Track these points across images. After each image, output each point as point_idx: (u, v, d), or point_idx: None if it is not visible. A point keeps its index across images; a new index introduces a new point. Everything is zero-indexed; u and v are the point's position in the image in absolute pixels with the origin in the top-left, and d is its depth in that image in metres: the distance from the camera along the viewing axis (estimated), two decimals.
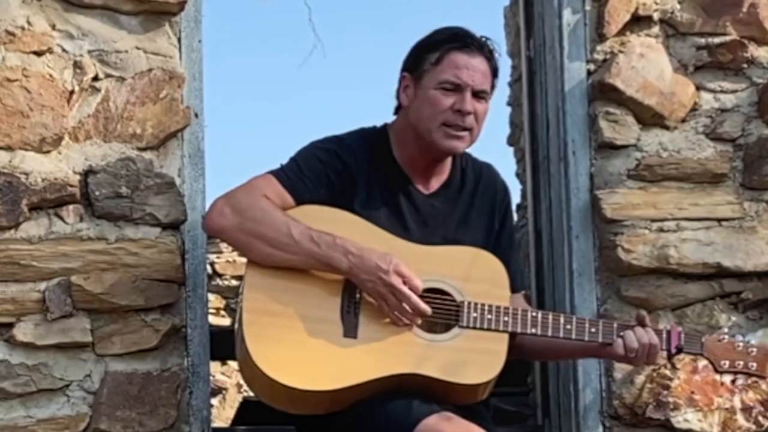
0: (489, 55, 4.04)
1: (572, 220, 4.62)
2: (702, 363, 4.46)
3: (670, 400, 4.49)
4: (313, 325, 3.83)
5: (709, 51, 4.61)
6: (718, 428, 4.51)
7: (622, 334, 3.92)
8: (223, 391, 10.00)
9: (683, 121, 4.59)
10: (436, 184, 4.11)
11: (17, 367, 4.17)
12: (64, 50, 4.32)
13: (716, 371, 4.14)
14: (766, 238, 4.55)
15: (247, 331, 3.84)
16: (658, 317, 4.53)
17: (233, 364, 10.35)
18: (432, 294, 3.87)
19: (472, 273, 3.98)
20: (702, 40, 4.63)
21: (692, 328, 4.47)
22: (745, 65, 4.61)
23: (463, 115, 3.93)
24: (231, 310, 10.15)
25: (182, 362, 4.35)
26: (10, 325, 4.18)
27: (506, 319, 3.85)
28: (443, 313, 3.87)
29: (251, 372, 3.84)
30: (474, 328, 3.84)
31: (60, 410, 4.20)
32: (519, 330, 3.86)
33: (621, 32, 4.62)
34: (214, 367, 7.92)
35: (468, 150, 4.14)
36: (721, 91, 4.62)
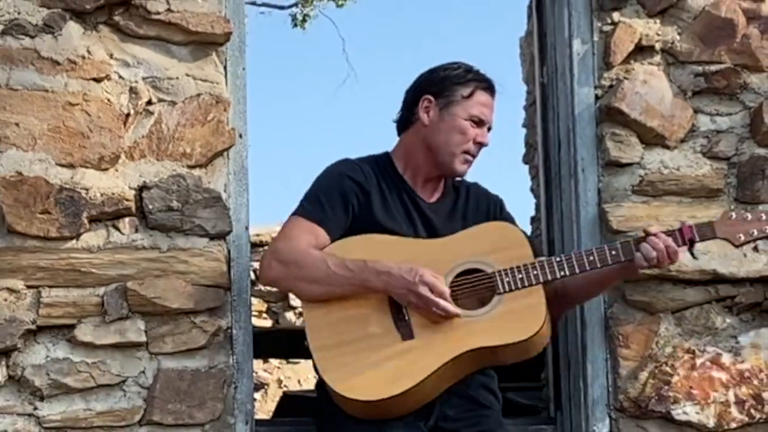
0: (494, 94, 4.29)
1: (582, 231, 4.61)
2: (699, 360, 4.47)
3: (671, 394, 4.46)
4: (375, 341, 3.94)
5: (706, 78, 4.59)
6: (714, 420, 4.47)
7: (638, 247, 4.01)
8: (265, 387, 10.00)
9: (682, 141, 4.57)
10: (436, 195, 4.27)
11: (78, 365, 4.23)
12: (120, 77, 4.38)
13: (735, 246, 4.21)
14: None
15: (322, 367, 3.96)
16: (660, 319, 4.53)
17: (274, 362, 10.37)
18: (466, 275, 3.97)
19: (493, 244, 4.08)
20: (699, 68, 4.61)
21: (690, 329, 4.53)
22: (738, 90, 4.59)
23: (480, 147, 4.20)
24: (272, 313, 10.33)
25: (228, 360, 4.38)
26: (72, 327, 4.25)
27: (535, 272, 3.95)
28: (482, 288, 3.97)
29: (342, 402, 3.93)
30: (511, 290, 3.93)
31: (117, 404, 4.26)
32: (549, 277, 3.97)
33: (626, 61, 4.61)
34: (257, 364, 7.97)
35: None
36: (717, 114, 4.61)
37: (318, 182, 4.24)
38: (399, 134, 4.39)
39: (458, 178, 4.33)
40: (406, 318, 3.98)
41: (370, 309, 4.01)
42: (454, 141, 4.20)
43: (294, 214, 4.20)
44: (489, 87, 4.27)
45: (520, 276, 3.96)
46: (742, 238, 4.17)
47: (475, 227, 4.21)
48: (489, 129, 4.27)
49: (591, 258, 4.02)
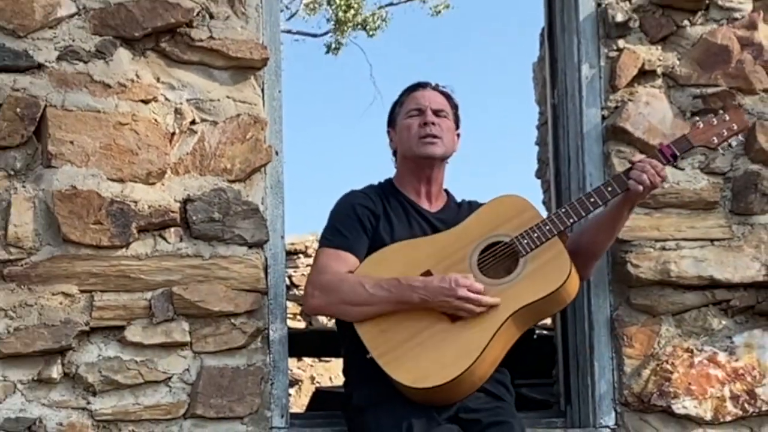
0: (439, 89, 4.45)
1: None
2: (697, 359, 4.51)
3: (671, 390, 4.48)
4: (426, 333, 4.01)
5: (704, 99, 4.62)
6: (711, 414, 4.50)
7: (629, 175, 4.08)
8: (299, 383, 10.01)
9: (682, 158, 4.46)
10: (438, 205, 4.41)
11: (128, 363, 4.31)
12: (167, 99, 4.44)
13: (713, 149, 4.33)
14: (751, 255, 4.54)
15: (389, 369, 4.00)
16: (661, 321, 4.56)
17: (307, 360, 10.36)
18: (488, 251, 4.08)
19: (501, 217, 4.17)
20: (697, 91, 4.64)
21: (689, 330, 4.55)
22: None
23: (428, 125, 4.30)
24: (306, 316, 10.14)
25: (265, 358, 4.42)
26: (122, 328, 4.32)
27: (548, 227, 4.04)
28: (505, 257, 4.07)
29: (414, 394, 3.98)
30: (532, 249, 4.02)
31: (163, 398, 4.33)
32: (561, 227, 4.05)
33: (630, 84, 4.63)
34: (292, 362, 7.90)
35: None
36: None
37: (334, 215, 4.37)
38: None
39: (455, 198, 4.47)
40: None
41: (411, 310, 4.07)
42: (405, 138, 4.37)
43: (320, 247, 4.33)
44: (416, 86, 4.48)
45: (536, 234, 4.04)
46: (716, 140, 4.25)
47: (478, 210, 4.29)
48: (439, 112, 4.37)
49: (592, 200, 4.10)
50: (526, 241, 4.05)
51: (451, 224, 4.28)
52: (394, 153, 4.55)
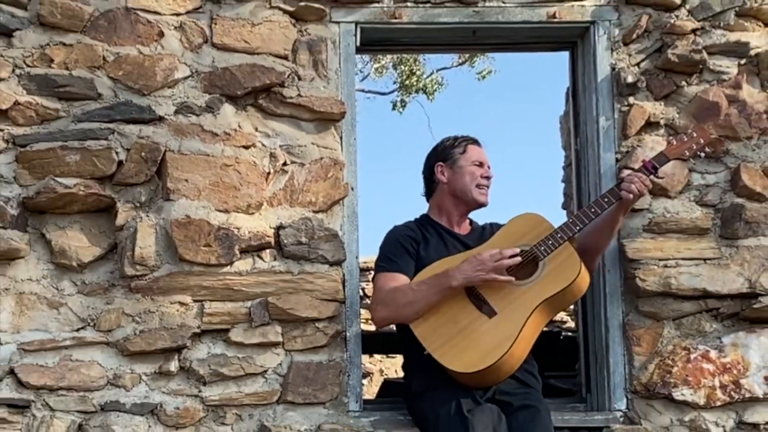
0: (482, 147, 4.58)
1: (606, 259, 4.62)
2: (693, 355, 4.53)
3: (672, 380, 4.52)
4: (469, 328, 4.13)
5: None
6: (704, 400, 4.52)
7: (621, 187, 4.22)
8: (370, 375, 10.13)
9: (680, 192, 4.62)
10: (465, 230, 4.53)
11: (231, 359, 4.42)
12: (263, 145, 4.54)
13: (686, 160, 4.49)
14: (736, 271, 4.54)
15: (443, 360, 4.10)
16: (663, 325, 4.57)
17: (377, 356, 10.36)
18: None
19: (522, 231, 4.29)
20: None
21: (686, 332, 4.57)
22: (722, 155, 4.64)
23: (487, 179, 4.50)
24: None
25: (343, 355, 4.50)
26: (227, 330, 4.43)
27: (559, 235, 4.16)
28: (527, 263, 4.17)
29: (465, 379, 4.08)
30: (548, 253, 4.15)
31: (260, 387, 4.44)
32: (570, 234, 4.17)
33: (638, 133, 4.64)
34: (364, 358, 7.58)
35: None
36: (706, 173, 4.64)
37: (383, 247, 4.44)
38: (428, 200, 4.65)
39: (480, 215, 4.57)
40: (485, 301, 4.15)
41: (456, 308, 4.15)
42: (469, 180, 4.48)
43: (376, 273, 4.39)
44: (475, 141, 4.58)
45: (550, 242, 4.15)
46: (687, 153, 4.38)
47: (503, 227, 4.40)
48: (488, 167, 4.53)
49: (593, 210, 4.21)
50: (543, 248, 4.15)
51: (479, 243, 4.37)
52: (434, 183, 4.59)
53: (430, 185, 4.63)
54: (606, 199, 4.26)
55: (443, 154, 4.59)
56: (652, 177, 4.33)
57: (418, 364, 4.30)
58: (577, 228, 4.21)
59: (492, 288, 4.15)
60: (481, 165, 4.52)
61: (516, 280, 4.15)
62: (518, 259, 4.13)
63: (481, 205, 4.52)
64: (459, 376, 4.07)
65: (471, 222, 4.60)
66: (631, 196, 4.23)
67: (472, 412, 4.02)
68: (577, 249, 4.24)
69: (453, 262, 4.25)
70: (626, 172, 4.37)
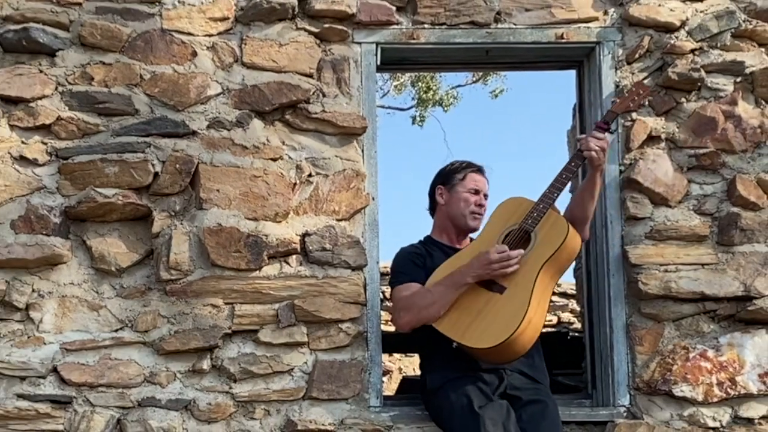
0: (485, 175, 4.63)
1: (610, 265, 4.68)
2: (692, 354, 4.55)
3: (672, 378, 4.55)
4: (485, 307, 4.20)
5: (697, 158, 4.68)
6: (702, 396, 4.55)
7: (581, 149, 4.28)
8: (390, 373, 10.11)
9: (680, 202, 4.65)
10: (464, 244, 4.57)
11: (260, 357, 4.47)
12: (290, 157, 4.59)
13: (633, 112, 4.54)
14: (732, 276, 4.58)
15: (470, 342, 4.17)
16: (664, 326, 4.60)
17: (396, 355, 10.30)
18: (507, 238, 4.27)
19: (507, 215, 4.36)
20: (692, 151, 4.69)
21: (685, 332, 4.60)
22: (719, 167, 4.67)
23: (481, 207, 4.55)
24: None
25: (364, 354, 4.54)
26: (256, 331, 4.48)
27: (541, 206, 4.23)
28: (520, 238, 4.25)
29: (499, 353, 4.13)
30: (536, 224, 4.23)
31: (287, 384, 4.49)
32: (551, 202, 4.24)
33: (641, 146, 4.68)
34: (385, 357, 7.62)
35: None
36: (704, 183, 4.69)
37: (394, 266, 4.51)
38: (432, 217, 4.69)
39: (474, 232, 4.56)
40: (493, 281, 4.22)
41: (469, 297, 4.23)
42: (461, 207, 4.54)
43: (392, 288, 4.45)
44: (478, 169, 4.61)
45: (535, 214, 4.23)
46: (632, 106, 4.45)
47: (489, 217, 4.45)
48: (485, 196, 4.58)
49: (564, 175, 4.28)
50: (530, 221, 4.23)
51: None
52: (435, 203, 4.66)
53: (432, 204, 4.70)
54: (573, 164, 4.32)
55: (445, 177, 4.65)
56: (606, 134, 4.36)
57: (432, 363, 4.40)
58: (555, 195, 4.27)
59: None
60: (476, 193, 4.57)
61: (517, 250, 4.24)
62: (521, 251, 4.21)
63: (473, 230, 4.58)
64: (490, 352, 4.13)
65: (471, 240, 4.64)
66: (593, 153, 4.26)
67: (483, 408, 4.08)
68: (569, 220, 4.32)
69: (462, 260, 4.32)
70: (581, 136, 4.39)
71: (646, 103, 4.63)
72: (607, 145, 4.32)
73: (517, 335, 4.08)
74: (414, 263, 4.46)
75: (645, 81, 4.69)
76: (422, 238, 4.68)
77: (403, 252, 4.55)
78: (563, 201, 4.47)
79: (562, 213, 4.42)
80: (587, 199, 4.38)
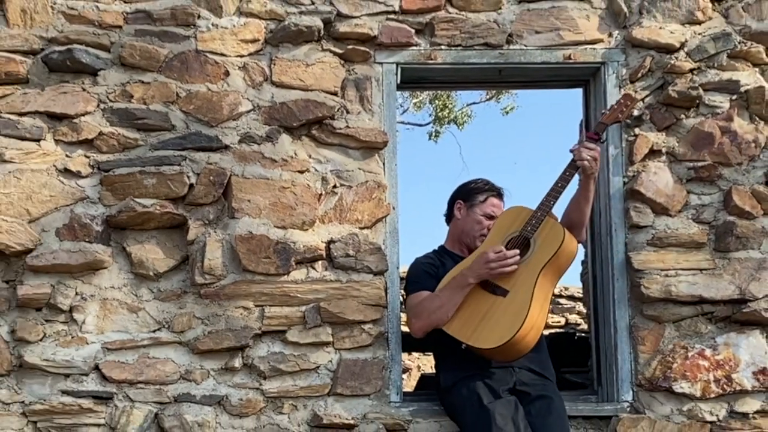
0: (503, 198, 4.66)
1: (615, 270, 4.71)
2: (690, 353, 4.59)
3: (672, 375, 4.59)
4: (490, 310, 4.24)
5: (695, 170, 4.72)
6: (700, 392, 4.59)
7: (574, 159, 4.28)
8: (409, 370, 10.14)
9: (679, 211, 4.69)
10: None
11: (288, 356, 4.53)
12: (316, 170, 4.64)
13: (621, 122, 4.49)
14: (728, 280, 4.62)
15: (477, 343, 4.22)
16: (665, 327, 4.64)
17: (415, 354, 10.36)
18: (508, 245, 4.29)
19: (508, 223, 4.38)
20: (691, 164, 4.73)
21: (685, 333, 4.62)
22: (716, 179, 4.71)
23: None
24: None
25: (385, 353, 4.59)
26: (284, 332, 4.54)
27: (539, 213, 4.26)
28: (520, 244, 4.29)
29: (504, 351, 4.17)
30: (535, 230, 4.27)
31: (314, 381, 4.55)
32: (548, 209, 4.27)
33: (643, 159, 4.72)
34: (404, 356, 7.59)
35: None
36: (702, 194, 4.72)
37: (409, 275, 4.53)
38: (448, 225, 4.72)
39: None
40: (497, 285, 4.25)
41: (475, 301, 4.28)
42: (475, 228, 4.58)
43: (406, 297, 4.48)
44: (498, 194, 4.63)
45: (534, 221, 4.26)
46: (620, 117, 4.41)
47: (493, 226, 4.48)
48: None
49: (560, 184, 4.28)
50: (529, 228, 4.26)
51: None
52: (452, 215, 4.68)
53: (450, 215, 4.72)
54: (567, 173, 4.32)
55: (467, 194, 4.68)
56: (597, 144, 4.36)
57: (445, 363, 4.47)
58: (552, 203, 4.28)
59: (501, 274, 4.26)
60: (491, 218, 4.57)
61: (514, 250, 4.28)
62: (517, 251, 4.25)
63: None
64: (496, 351, 4.17)
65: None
66: (585, 162, 4.26)
67: (493, 404, 4.16)
68: (567, 224, 4.35)
69: (464, 264, 4.38)
70: (574, 146, 4.36)
71: (635, 113, 4.64)
72: (598, 154, 4.32)
73: (521, 334, 4.14)
74: (427, 273, 4.49)
75: (646, 98, 4.73)
76: (436, 248, 4.71)
77: (417, 262, 4.58)
78: (562, 204, 4.54)
79: (559, 219, 4.46)
80: (582, 203, 4.40)
